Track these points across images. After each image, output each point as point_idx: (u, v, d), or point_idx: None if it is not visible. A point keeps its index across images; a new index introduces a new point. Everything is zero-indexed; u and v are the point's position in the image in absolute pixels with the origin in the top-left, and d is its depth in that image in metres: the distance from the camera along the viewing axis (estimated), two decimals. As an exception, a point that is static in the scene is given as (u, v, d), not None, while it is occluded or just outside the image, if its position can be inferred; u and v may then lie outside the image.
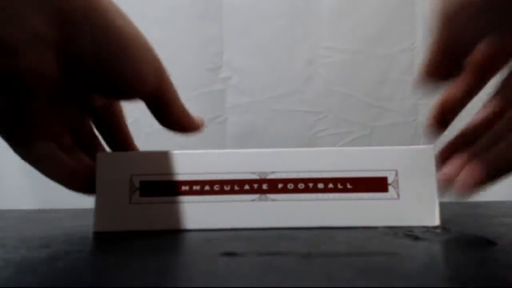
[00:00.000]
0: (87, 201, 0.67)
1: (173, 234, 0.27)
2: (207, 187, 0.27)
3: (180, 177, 0.27)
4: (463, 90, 0.26)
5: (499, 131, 0.25)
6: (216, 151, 0.28)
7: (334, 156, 0.27)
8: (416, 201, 0.27)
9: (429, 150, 0.27)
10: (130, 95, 0.27)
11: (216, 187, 0.27)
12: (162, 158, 0.28)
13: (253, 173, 0.27)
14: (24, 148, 0.27)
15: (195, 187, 0.27)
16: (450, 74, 0.26)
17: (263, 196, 0.27)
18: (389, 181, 0.27)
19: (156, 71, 0.28)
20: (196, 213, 0.27)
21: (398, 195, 0.27)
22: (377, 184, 0.27)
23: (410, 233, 0.25)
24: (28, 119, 0.25)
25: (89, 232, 0.28)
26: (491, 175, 0.24)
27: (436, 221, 0.27)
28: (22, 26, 0.22)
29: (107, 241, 0.26)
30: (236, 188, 0.27)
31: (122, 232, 0.27)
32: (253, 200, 0.27)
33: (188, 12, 0.61)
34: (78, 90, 0.28)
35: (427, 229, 0.26)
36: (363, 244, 0.23)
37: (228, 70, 0.61)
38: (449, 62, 0.25)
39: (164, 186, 0.27)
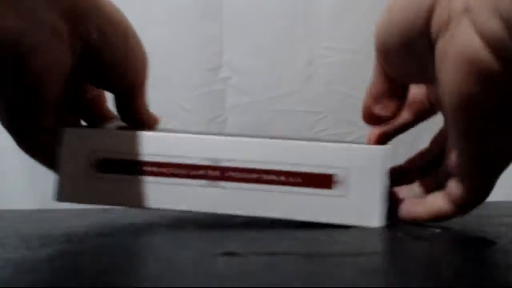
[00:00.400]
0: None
1: (173, 235, 0.27)
2: (161, 169, 0.28)
3: (137, 157, 0.28)
4: (401, 124, 0.31)
5: (439, 178, 0.27)
6: (172, 134, 0.29)
7: (287, 148, 0.27)
8: (363, 201, 0.27)
9: (381, 150, 0.27)
10: (119, 88, 0.29)
11: (169, 170, 0.28)
12: (123, 136, 0.28)
13: (207, 159, 0.27)
14: (31, 140, 0.27)
15: (150, 168, 0.28)
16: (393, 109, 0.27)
17: (214, 182, 0.27)
18: (339, 178, 0.27)
19: (144, 66, 0.30)
20: (150, 193, 0.28)
21: (346, 193, 0.27)
22: (326, 181, 0.27)
23: (410, 233, 0.25)
24: (40, 111, 0.26)
25: (89, 232, 0.28)
26: (424, 219, 0.27)
27: (379, 222, 0.27)
28: (41, 22, 0.23)
29: (107, 241, 0.26)
30: (188, 172, 0.27)
31: (120, 232, 0.27)
32: (204, 186, 0.27)
33: (188, 12, 0.61)
34: (80, 82, 0.29)
35: (427, 229, 0.26)
36: (363, 244, 0.23)
37: (228, 70, 0.61)
38: (390, 95, 0.26)
39: (121, 164, 0.28)
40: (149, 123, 0.31)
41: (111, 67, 0.27)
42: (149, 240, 0.26)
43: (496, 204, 0.49)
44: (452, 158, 0.23)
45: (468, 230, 0.28)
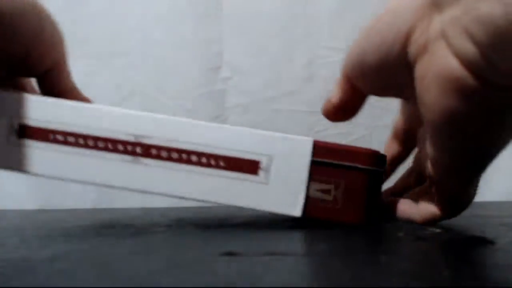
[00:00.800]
0: (87, 201, 0.66)
1: (173, 235, 0.27)
2: (81, 141, 0.27)
3: (58, 126, 0.27)
4: (399, 157, 0.34)
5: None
6: (97, 106, 0.28)
7: (212, 131, 0.27)
8: (284, 190, 0.27)
9: (306, 141, 0.27)
10: (35, 70, 0.29)
11: (90, 142, 0.27)
12: (46, 104, 0.28)
13: (130, 134, 0.27)
14: None
15: (70, 139, 0.27)
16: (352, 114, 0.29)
17: (136, 158, 0.27)
18: (262, 165, 0.27)
19: (59, 44, 0.30)
20: (69, 165, 0.27)
21: (268, 180, 0.27)
22: (250, 167, 0.27)
23: (410, 233, 0.25)
24: None
25: (89, 232, 0.28)
26: (419, 222, 0.28)
27: (298, 212, 0.27)
28: None
29: (107, 241, 0.26)
30: (110, 146, 0.27)
31: (120, 232, 0.27)
32: (125, 161, 0.27)
33: (188, 12, 0.61)
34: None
35: (427, 229, 0.26)
36: (363, 244, 0.23)
37: (228, 70, 0.61)
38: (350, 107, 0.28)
39: (42, 132, 0.27)
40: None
41: (31, 57, 0.27)
42: (149, 240, 0.26)
43: (496, 204, 0.49)
44: (433, 170, 0.24)
45: (468, 230, 0.28)
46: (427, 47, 0.19)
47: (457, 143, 0.21)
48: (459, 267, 0.18)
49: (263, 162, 0.27)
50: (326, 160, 0.27)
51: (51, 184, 0.64)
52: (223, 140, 0.27)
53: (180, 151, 0.27)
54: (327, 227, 0.27)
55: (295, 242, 0.24)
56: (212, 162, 0.27)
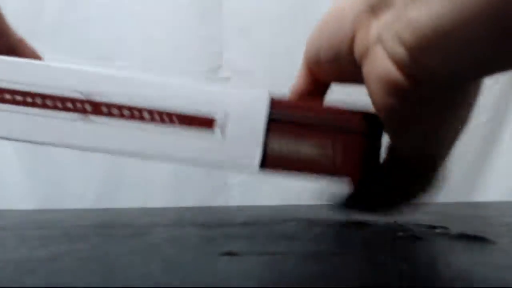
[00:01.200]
0: (87, 201, 0.66)
1: (173, 235, 0.27)
2: (29, 99, 0.26)
3: (5, 85, 0.26)
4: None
5: None
6: (45, 63, 0.27)
7: (165, 87, 0.27)
8: (240, 145, 0.26)
9: (262, 94, 0.27)
10: None
11: (38, 100, 0.26)
12: None
13: (79, 92, 0.26)
14: None
15: (18, 97, 0.26)
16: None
17: (86, 116, 0.26)
18: (217, 121, 0.26)
19: None
20: (17, 124, 0.26)
21: (224, 136, 0.26)
22: (204, 123, 0.26)
23: (410, 233, 0.25)
24: None
25: (89, 232, 0.28)
26: None
27: (255, 168, 0.26)
28: None
29: (107, 241, 0.26)
30: (59, 105, 0.26)
31: (120, 232, 0.27)
32: (75, 120, 0.26)
33: (188, 12, 0.61)
34: None
35: (426, 229, 0.26)
36: (363, 244, 0.23)
37: (228, 70, 0.61)
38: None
39: None
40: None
41: None
42: (149, 240, 0.26)
43: (496, 204, 0.49)
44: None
45: (468, 230, 0.28)
46: (368, 51, 0.21)
47: (403, 138, 0.23)
48: (459, 267, 0.18)
49: (218, 118, 0.26)
50: (286, 114, 0.27)
51: (51, 184, 0.64)
52: (177, 96, 0.26)
53: (131, 109, 0.26)
54: (327, 227, 0.27)
55: (295, 242, 0.24)
56: (165, 119, 0.26)
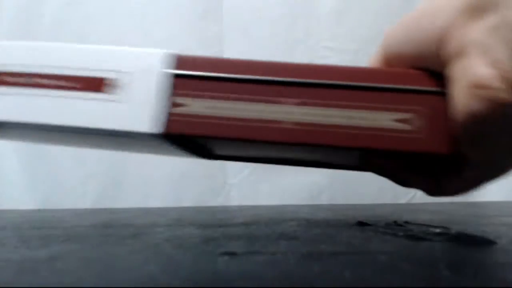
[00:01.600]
0: (87, 201, 0.66)
1: (173, 235, 0.27)
2: None
3: None
4: None
5: None
6: None
7: (54, 51, 0.26)
8: (136, 105, 0.25)
9: (156, 54, 0.25)
10: None
11: None
12: None
13: None
14: None
15: None
16: None
17: None
18: (111, 82, 0.25)
19: None
20: None
21: (119, 97, 0.25)
22: (97, 84, 0.25)
23: (410, 233, 0.25)
24: None
25: (89, 232, 0.28)
26: None
27: (152, 128, 0.25)
28: None
29: (107, 240, 0.26)
30: None
31: (120, 232, 0.27)
32: None
33: (188, 12, 0.61)
34: None
35: (427, 229, 0.26)
36: (363, 244, 0.23)
37: (228, 70, 0.61)
38: None
39: None
40: None
41: None
42: (149, 240, 0.26)
43: (496, 204, 0.49)
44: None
45: (468, 230, 0.28)
46: (463, 52, 0.20)
47: (479, 150, 0.21)
48: (459, 267, 0.18)
49: (111, 78, 0.25)
50: (192, 73, 0.25)
51: (51, 184, 0.64)
52: (68, 59, 0.25)
53: (17, 75, 0.25)
54: (327, 227, 0.27)
55: (295, 242, 0.24)
56: (57, 82, 0.25)
